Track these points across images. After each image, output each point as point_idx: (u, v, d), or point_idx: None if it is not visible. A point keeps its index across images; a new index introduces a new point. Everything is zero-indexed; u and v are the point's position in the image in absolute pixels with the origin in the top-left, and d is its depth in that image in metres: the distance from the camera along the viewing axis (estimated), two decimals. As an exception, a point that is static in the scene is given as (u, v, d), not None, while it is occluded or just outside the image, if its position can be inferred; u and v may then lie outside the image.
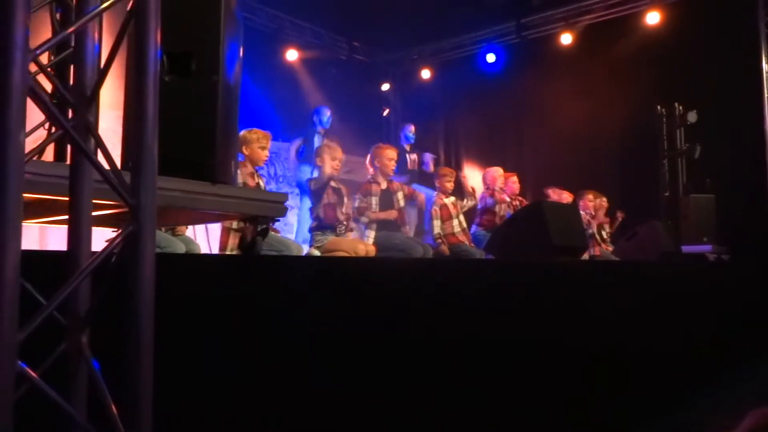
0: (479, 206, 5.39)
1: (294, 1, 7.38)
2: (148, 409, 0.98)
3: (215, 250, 3.32)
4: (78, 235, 1.11)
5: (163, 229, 2.89)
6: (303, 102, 7.73)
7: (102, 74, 1.11)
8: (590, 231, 6.26)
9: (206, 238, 3.35)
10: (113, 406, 0.99)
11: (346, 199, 4.04)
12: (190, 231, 3.27)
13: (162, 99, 1.83)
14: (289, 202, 5.90)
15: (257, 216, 1.86)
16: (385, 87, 9.16)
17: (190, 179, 1.67)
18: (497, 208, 5.30)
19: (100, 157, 1.06)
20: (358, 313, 1.96)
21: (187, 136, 1.74)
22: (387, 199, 4.43)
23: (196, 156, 1.73)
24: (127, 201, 0.99)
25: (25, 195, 1.29)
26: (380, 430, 1.92)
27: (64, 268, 1.08)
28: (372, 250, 3.78)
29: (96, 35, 1.13)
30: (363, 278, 2.12)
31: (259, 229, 1.88)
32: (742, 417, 1.38)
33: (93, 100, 1.13)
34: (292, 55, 7.92)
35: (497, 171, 5.58)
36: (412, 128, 6.35)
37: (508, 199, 5.54)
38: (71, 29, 0.99)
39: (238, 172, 3.52)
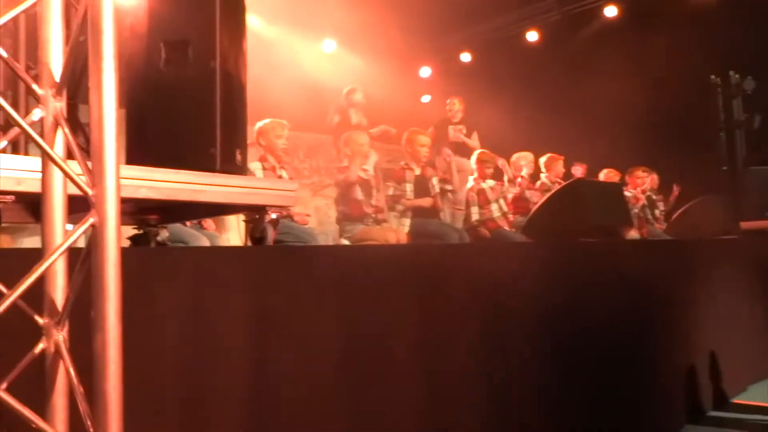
0: (510, 193, 5.22)
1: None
2: (118, 408, 0.94)
3: (234, 243, 3.31)
4: (52, 230, 1.08)
5: (188, 224, 2.90)
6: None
7: (66, 64, 1.07)
8: (635, 210, 5.99)
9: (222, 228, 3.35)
10: (86, 406, 0.95)
11: (375, 191, 3.95)
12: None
13: (161, 89, 1.80)
14: (332, 194, 5.81)
15: (266, 206, 1.81)
16: (426, 73, 9.02)
17: (192, 170, 1.63)
18: (528, 194, 5.12)
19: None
20: (381, 302, 1.89)
21: (187, 126, 1.71)
22: (422, 186, 4.32)
23: (197, 146, 1.69)
24: (85, 191, 0.95)
25: (11, 190, 1.27)
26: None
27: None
28: (403, 239, 3.69)
29: (61, 17, 1.09)
30: (390, 266, 2.05)
31: (268, 219, 1.83)
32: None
33: (62, 89, 1.09)
34: (329, 45, 7.88)
35: (527, 156, 5.39)
36: (455, 101, 6.16)
37: (548, 183, 5.35)
38: (18, 10, 0.94)
39: (260, 167, 3.50)
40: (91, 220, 0.94)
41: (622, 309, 2.89)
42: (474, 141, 5.80)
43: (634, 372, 2.89)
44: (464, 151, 5.85)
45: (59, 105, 1.07)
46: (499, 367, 2.27)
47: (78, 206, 1.13)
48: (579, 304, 2.68)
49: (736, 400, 3.57)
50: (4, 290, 0.94)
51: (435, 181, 4.46)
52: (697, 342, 3.41)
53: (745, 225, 5.27)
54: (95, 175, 0.95)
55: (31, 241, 4.24)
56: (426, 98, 9.11)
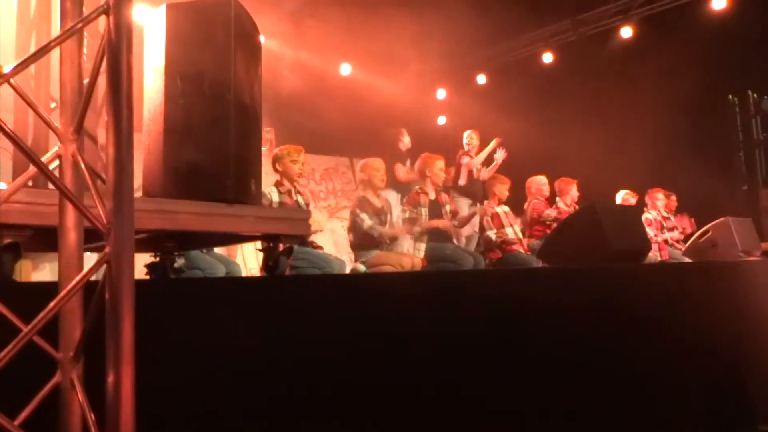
0: (529, 217, 5.17)
1: (345, 16, 7.42)
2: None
3: (251, 266, 3.33)
4: (68, 264, 1.10)
5: (204, 251, 2.93)
6: (361, 115, 7.71)
7: (84, 103, 1.10)
8: (663, 234, 5.94)
9: (242, 256, 3.37)
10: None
11: (389, 216, 3.94)
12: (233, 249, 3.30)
13: (177, 121, 1.83)
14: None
15: (279, 235, 1.82)
16: (442, 95, 9.07)
17: (206, 201, 1.66)
18: (546, 217, 5.08)
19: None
20: (400, 329, 1.89)
21: (201, 157, 1.73)
22: (436, 211, 4.31)
23: (211, 177, 1.71)
24: (96, 224, 0.96)
25: (35, 225, 1.29)
26: None
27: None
28: (418, 263, 3.68)
29: (78, 58, 1.12)
30: (407, 294, 2.05)
31: (282, 248, 1.84)
32: None
33: (79, 126, 1.11)
34: (345, 69, 7.98)
35: (541, 180, 5.35)
36: (477, 134, 6.24)
37: (564, 206, 5.32)
38: (34, 56, 0.97)
39: (275, 191, 3.53)
40: (105, 252, 0.96)
41: (643, 333, 2.85)
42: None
43: (655, 399, 2.84)
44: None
45: (77, 143, 1.10)
46: (518, 392, 2.25)
47: (98, 236, 1.16)
48: (599, 329, 2.65)
49: (764, 427, 3.49)
50: (22, 326, 0.96)
51: (448, 208, 4.45)
52: (722, 367, 3.34)
53: (766, 246, 5.20)
54: (110, 211, 0.97)
55: (51, 267, 4.30)
56: (442, 120, 9.16)
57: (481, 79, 8.74)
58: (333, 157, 7.85)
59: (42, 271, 4.44)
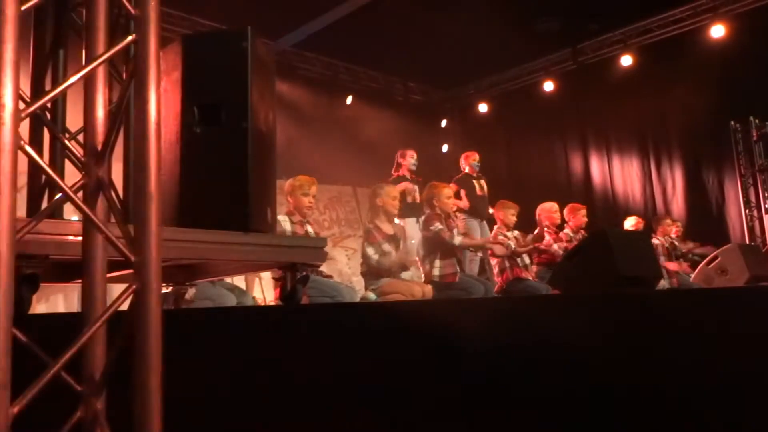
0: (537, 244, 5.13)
1: (348, 48, 7.52)
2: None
3: (257, 294, 3.29)
4: (93, 295, 1.08)
5: (215, 280, 2.90)
6: (365, 145, 7.74)
7: (110, 133, 1.09)
8: (675, 256, 5.93)
9: (245, 285, 3.33)
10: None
11: (402, 243, 3.91)
12: (239, 281, 3.28)
13: (194, 150, 1.82)
14: (353, 245, 5.89)
15: (295, 263, 1.80)
16: (444, 124, 9.17)
17: (223, 230, 1.64)
18: (554, 246, 5.04)
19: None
20: (413, 359, 1.86)
21: (218, 186, 1.73)
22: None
23: (228, 205, 1.70)
24: (127, 257, 0.95)
25: (54, 256, 1.28)
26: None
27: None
28: (429, 292, 3.65)
29: (104, 87, 1.11)
30: (418, 323, 2.02)
31: (298, 276, 1.82)
32: None
33: (104, 156, 1.11)
34: (349, 100, 8.08)
35: (552, 207, 5.33)
36: (477, 156, 6.20)
37: (570, 234, 5.30)
38: (65, 84, 0.97)
39: (288, 220, 3.51)
40: (135, 285, 0.95)
41: (659, 360, 2.81)
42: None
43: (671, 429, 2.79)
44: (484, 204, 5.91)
45: (100, 173, 1.09)
46: (531, 425, 2.20)
47: (119, 266, 1.13)
48: (614, 358, 2.61)
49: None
50: (46, 359, 0.94)
51: (456, 233, 4.41)
52: (737, 396, 3.29)
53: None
54: (138, 242, 0.96)
55: (54, 300, 4.26)
56: (445, 148, 9.23)
57: (483, 107, 8.83)
58: (336, 186, 7.87)
59: (44, 303, 4.41)
